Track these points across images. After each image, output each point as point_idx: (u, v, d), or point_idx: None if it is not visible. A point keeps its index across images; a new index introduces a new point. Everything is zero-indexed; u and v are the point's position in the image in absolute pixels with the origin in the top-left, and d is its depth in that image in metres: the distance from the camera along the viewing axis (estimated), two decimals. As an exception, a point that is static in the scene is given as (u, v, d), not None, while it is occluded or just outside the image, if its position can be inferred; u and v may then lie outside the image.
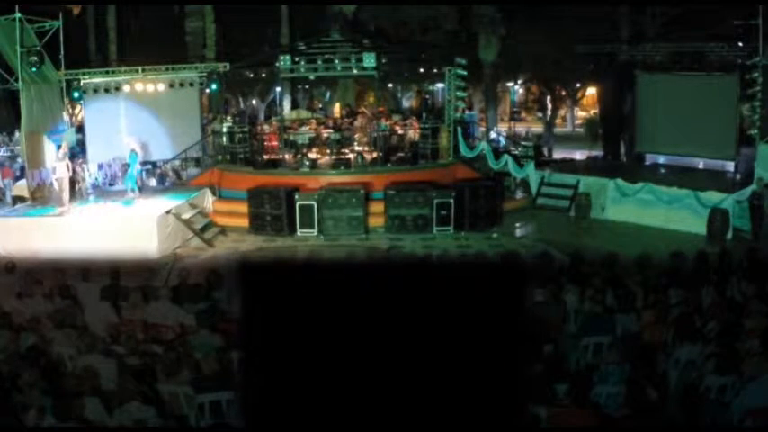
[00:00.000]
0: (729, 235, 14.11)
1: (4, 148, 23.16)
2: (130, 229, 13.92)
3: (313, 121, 21.78)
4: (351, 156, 18.34)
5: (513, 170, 18.56)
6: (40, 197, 16.10)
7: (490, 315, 1.57)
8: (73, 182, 15.50)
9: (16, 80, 16.02)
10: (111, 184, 18.26)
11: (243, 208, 16.01)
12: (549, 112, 31.09)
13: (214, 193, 17.38)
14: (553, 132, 29.94)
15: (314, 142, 19.51)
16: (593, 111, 34.79)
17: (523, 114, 37.99)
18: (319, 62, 18.32)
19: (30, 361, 6.25)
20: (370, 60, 17.46)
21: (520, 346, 1.61)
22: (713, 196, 14.71)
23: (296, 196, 15.59)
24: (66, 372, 6.46)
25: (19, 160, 19.14)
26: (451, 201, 15.54)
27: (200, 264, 12.73)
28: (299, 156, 18.40)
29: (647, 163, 20.01)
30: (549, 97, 31.26)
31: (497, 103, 29.51)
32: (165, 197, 16.09)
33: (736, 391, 5.79)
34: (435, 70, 22.54)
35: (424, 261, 1.88)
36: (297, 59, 18.19)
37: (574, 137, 33.92)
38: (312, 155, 18.71)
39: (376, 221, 15.85)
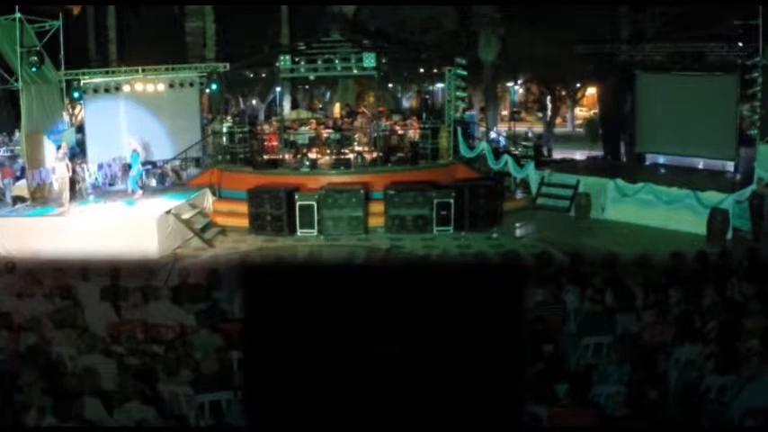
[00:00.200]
0: (729, 235, 14.08)
1: (4, 148, 23.15)
2: (130, 229, 13.90)
3: (313, 121, 21.74)
4: (351, 156, 18.33)
5: (513, 170, 18.56)
6: (40, 197, 16.09)
7: (490, 315, 1.57)
8: (73, 182, 15.49)
9: (16, 80, 16.03)
10: (111, 184, 18.24)
11: (243, 208, 16.01)
12: (549, 113, 31.09)
13: (214, 194, 17.38)
14: (553, 132, 29.94)
15: (314, 142, 19.49)
16: (594, 111, 34.77)
17: (523, 114, 37.97)
18: (319, 62, 18.33)
19: (30, 361, 6.26)
20: (370, 60, 17.46)
21: (520, 347, 1.61)
22: (713, 196, 14.69)
23: (296, 196, 15.58)
24: (66, 372, 6.46)
25: (19, 160, 19.13)
26: (451, 201, 15.54)
27: (201, 264, 12.73)
28: (299, 156, 18.39)
29: (647, 163, 20.01)
30: (549, 97, 31.26)
31: (497, 103, 29.50)
32: (165, 197, 16.08)
33: (736, 391, 5.79)
34: (435, 70, 22.52)
35: (423, 261, 1.88)
36: (297, 59, 18.18)
37: (574, 137, 33.93)
38: (312, 155, 18.70)
39: (376, 221, 15.85)
